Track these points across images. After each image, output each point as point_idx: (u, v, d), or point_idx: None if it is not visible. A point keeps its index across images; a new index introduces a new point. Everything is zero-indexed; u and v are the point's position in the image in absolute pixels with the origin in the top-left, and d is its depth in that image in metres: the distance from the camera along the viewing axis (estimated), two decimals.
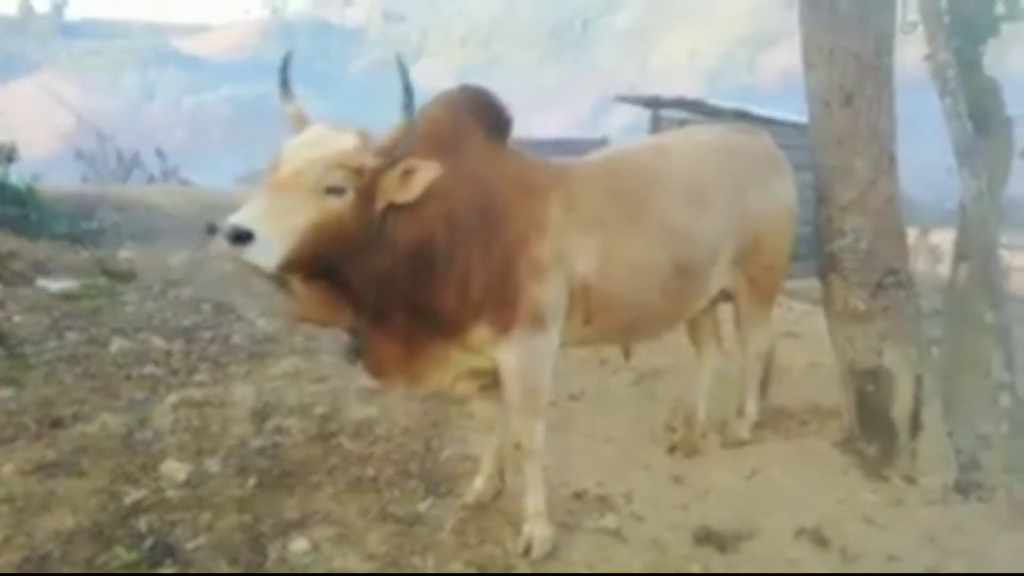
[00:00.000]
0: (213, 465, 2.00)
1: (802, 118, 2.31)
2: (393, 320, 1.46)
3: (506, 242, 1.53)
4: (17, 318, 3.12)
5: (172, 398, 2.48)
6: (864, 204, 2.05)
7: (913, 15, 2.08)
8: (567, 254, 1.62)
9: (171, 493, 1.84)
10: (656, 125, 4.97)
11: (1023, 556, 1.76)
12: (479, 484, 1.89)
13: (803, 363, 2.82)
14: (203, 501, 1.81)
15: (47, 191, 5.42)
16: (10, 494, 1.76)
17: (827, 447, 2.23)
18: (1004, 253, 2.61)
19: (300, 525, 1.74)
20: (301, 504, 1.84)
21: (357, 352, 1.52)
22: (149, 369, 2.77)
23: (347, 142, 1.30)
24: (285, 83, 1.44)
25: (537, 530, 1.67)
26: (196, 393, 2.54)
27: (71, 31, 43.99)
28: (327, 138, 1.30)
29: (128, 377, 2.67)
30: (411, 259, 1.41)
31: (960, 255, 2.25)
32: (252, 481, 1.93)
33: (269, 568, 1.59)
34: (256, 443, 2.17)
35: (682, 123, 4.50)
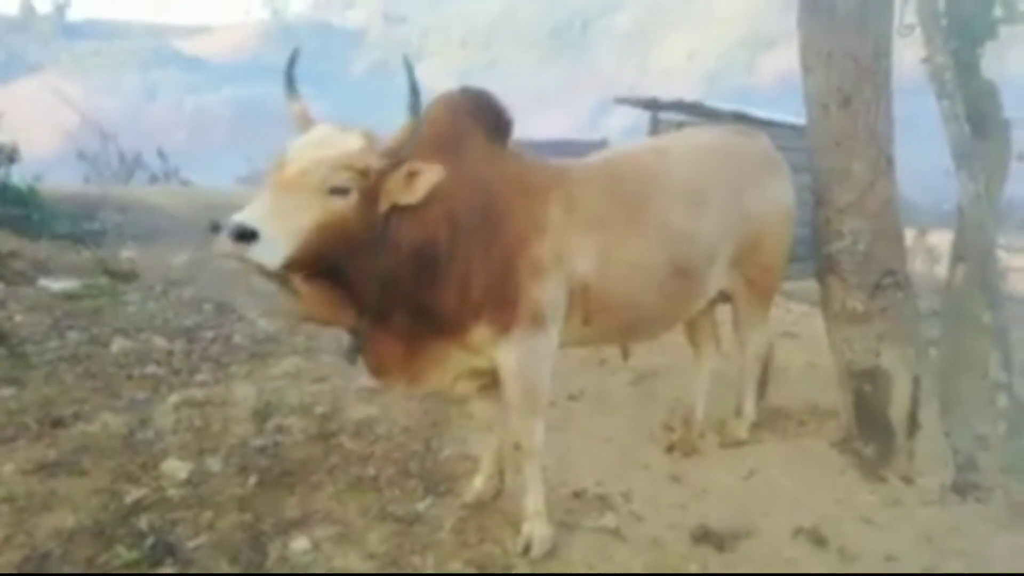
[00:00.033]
0: (214, 464, 2.01)
1: (800, 120, 2.31)
2: (394, 320, 1.47)
3: (506, 243, 1.54)
4: (19, 318, 3.14)
5: (173, 398, 2.49)
6: (862, 206, 2.06)
7: (911, 18, 2.09)
8: (567, 255, 1.63)
9: (172, 492, 1.85)
10: (655, 127, 4.99)
11: (1020, 556, 1.76)
12: (479, 483, 1.89)
13: (801, 364, 2.83)
14: (204, 500, 1.82)
15: (49, 191, 5.44)
16: (11, 493, 1.77)
17: (825, 447, 2.24)
18: (1002, 254, 2.62)
19: (300, 524, 1.75)
20: (301, 503, 1.85)
21: (357, 351, 1.52)
22: (150, 369, 2.78)
23: (353, 143, 1.30)
24: (291, 82, 1.44)
25: (536, 529, 1.68)
26: (197, 393, 2.55)
27: (73, 32, 44.09)
28: (333, 139, 1.30)
29: (129, 377, 2.68)
30: (413, 259, 1.42)
31: (957, 256, 2.26)
32: (253, 480, 1.94)
33: (270, 567, 1.60)
34: (257, 442, 2.18)
35: (681, 125, 4.52)
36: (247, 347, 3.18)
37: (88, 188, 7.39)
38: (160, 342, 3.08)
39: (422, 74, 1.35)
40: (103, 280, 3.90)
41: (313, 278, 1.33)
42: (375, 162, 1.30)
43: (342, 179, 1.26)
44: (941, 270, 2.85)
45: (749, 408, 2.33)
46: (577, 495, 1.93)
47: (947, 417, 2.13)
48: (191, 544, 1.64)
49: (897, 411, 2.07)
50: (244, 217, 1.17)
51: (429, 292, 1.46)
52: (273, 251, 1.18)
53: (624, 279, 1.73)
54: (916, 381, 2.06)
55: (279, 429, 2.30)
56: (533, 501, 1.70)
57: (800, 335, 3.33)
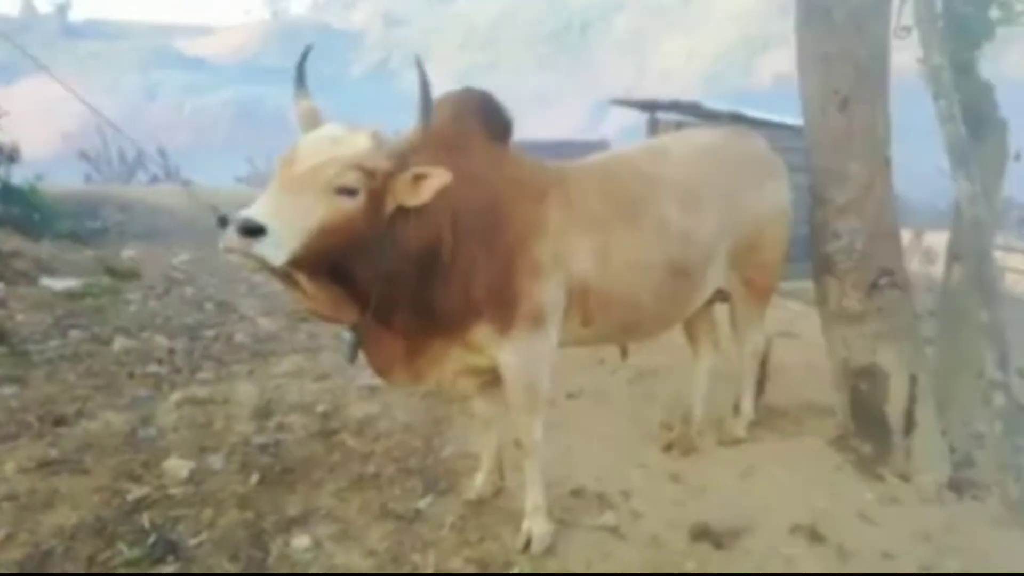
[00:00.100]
0: (216, 462, 2.02)
1: (798, 121, 2.33)
2: (397, 318, 1.48)
3: (507, 243, 1.55)
4: (20, 316, 3.15)
5: (175, 396, 2.50)
6: (859, 206, 2.07)
7: (908, 20, 2.11)
8: (566, 255, 1.64)
9: (174, 490, 1.86)
10: (653, 128, 5.01)
11: (1017, 554, 1.77)
12: (479, 481, 1.91)
13: (799, 362, 2.84)
14: (205, 498, 1.83)
15: (50, 191, 5.45)
16: (13, 491, 1.78)
17: (822, 445, 2.25)
18: (998, 254, 2.64)
19: (302, 522, 1.76)
20: (303, 501, 1.86)
21: (356, 349, 1.53)
22: (152, 367, 2.79)
23: (362, 143, 1.30)
24: (301, 78, 1.43)
25: (536, 527, 1.69)
26: (199, 391, 2.56)
27: (74, 32, 44.12)
28: (343, 138, 1.30)
29: (131, 375, 2.70)
30: (416, 259, 1.43)
31: (954, 256, 2.27)
32: (254, 478, 1.95)
33: (271, 564, 1.61)
34: (258, 440, 2.20)
35: (679, 125, 4.53)
36: (248, 346, 3.19)
37: (89, 187, 7.41)
38: (162, 341, 3.09)
39: (417, 75, 1.36)
40: (104, 279, 3.91)
41: (317, 275, 1.34)
42: (383, 163, 1.31)
43: (351, 179, 1.26)
44: (937, 270, 2.86)
45: (747, 406, 2.35)
46: (576, 493, 1.94)
47: (944, 415, 2.14)
48: (193, 542, 1.65)
49: (894, 409, 2.08)
50: (252, 212, 1.17)
51: (431, 291, 1.48)
52: (279, 247, 1.18)
53: (623, 279, 1.74)
54: (913, 379, 2.07)
55: (280, 427, 2.32)
56: (533, 498, 1.71)
57: (798, 334, 3.33)
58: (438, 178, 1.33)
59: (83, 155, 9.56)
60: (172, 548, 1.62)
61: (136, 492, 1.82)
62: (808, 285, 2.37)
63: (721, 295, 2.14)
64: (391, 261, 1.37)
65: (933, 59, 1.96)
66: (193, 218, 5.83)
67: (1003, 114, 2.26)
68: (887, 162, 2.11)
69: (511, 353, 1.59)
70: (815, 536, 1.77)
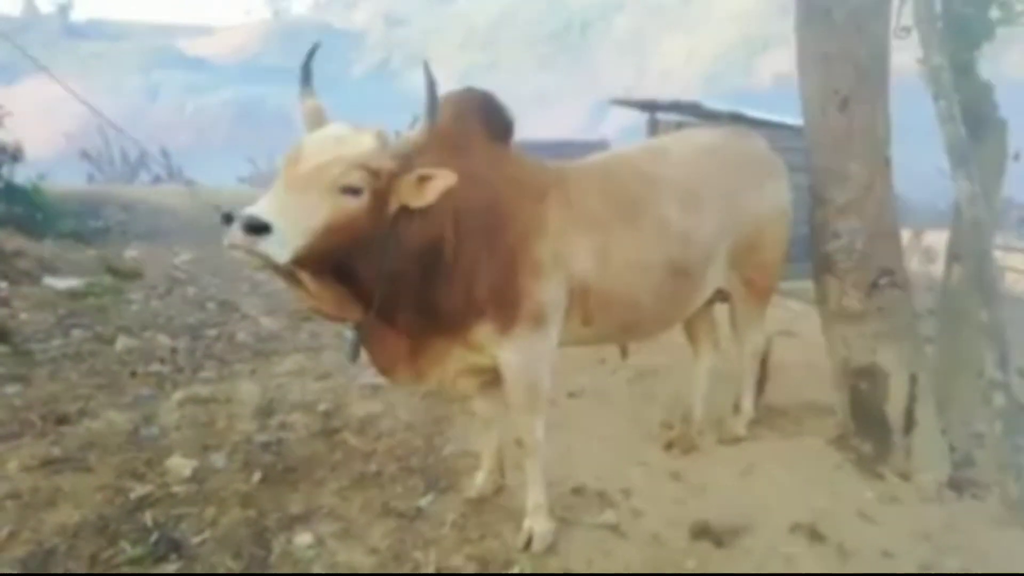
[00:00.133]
0: (218, 461, 2.03)
1: (798, 121, 2.33)
2: (399, 317, 1.49)
3: (508, 243, 1.55)
4: (23, 316, 3.16)
5: (178, 395, 2.51)
6: (859, 206, 2.08)
7: (908, 20, 2.11)
8: (566, 255, 1.65)
9: (176, 488, 1.87)
10: (653, 128, 5.01)
11: (1017, 554, 1.77)
12: (480, 480, 1.91)
13: (799, 362, 2.84)
14: (208, 496, 1.84)
15: (53, 190, 5.47)
16: (16, 489, 1.78)
17: (822, 444, 2.26)
18: (998, 254, 2.64)
19: (304, 520, 1.77)
20: (305, 499, 1.86)
21: (358, 348, 1.54)
22: (155, 366, 2.81)
23: (367, 143, 1.31)
24: (308, 76, 1.43)
25: (537, 525, 1.69)
26: (201, 390, 2.57)
27: (76, 32, 44.20)
28: (348, 137, 1.31)
29: (134, 374, 2.71)
30: (419, 258, 1.43)
31: (953, 256, 2.27)
32: (257, 476, 1.95)
33: (273, 562, 1.61)
34: (261, 439, 2.20)
35: (679, 125, 4.54)
36: (251, 345, 3.21)
37: (92, 187, 7.42)
38: (164, 340, 3.10)
39: (423, 76, 1.36)
40: (107, 278, 3.92)
41: (320, 274, 1.34)
42: (388, 163, 1.31)
43: (356, 179, 1.26)
44: (937, 269, 2.86)
45: (747, 405, 2.35)
46: (577, 491, 1.95)
47: (944, 415, 2.14)
48: (195, 540, 1.66)
49: (894, 408, 2.09)
50: (257, 210, 1.17)
51: (434, 290, 1.48)
52: (283, 246, 1.18)
53: (623, 279, 1.74)
54: (913, 379, 2.08)
55: (282, 426, 2.33)
56: (534, 497, 1.72)
57: (798, 333, 3.34)
58: (443, 180, 1.34)
59: (85, 155, 9.59)
60: (175, 546, 1.63)
61: (139, 490, 1.83)
62: (808, 285, 2.37)
63: (721, 295, 2.15)
64: (394, 260, 1.38)
65: (933, 59, 1.96)
66: (195, 218, 5.84)
67: (1003, 114, 2.26)
68: (887, 162, 2.12)
69: (512, 352, 1.60)
70: (815, 535, 1.78)
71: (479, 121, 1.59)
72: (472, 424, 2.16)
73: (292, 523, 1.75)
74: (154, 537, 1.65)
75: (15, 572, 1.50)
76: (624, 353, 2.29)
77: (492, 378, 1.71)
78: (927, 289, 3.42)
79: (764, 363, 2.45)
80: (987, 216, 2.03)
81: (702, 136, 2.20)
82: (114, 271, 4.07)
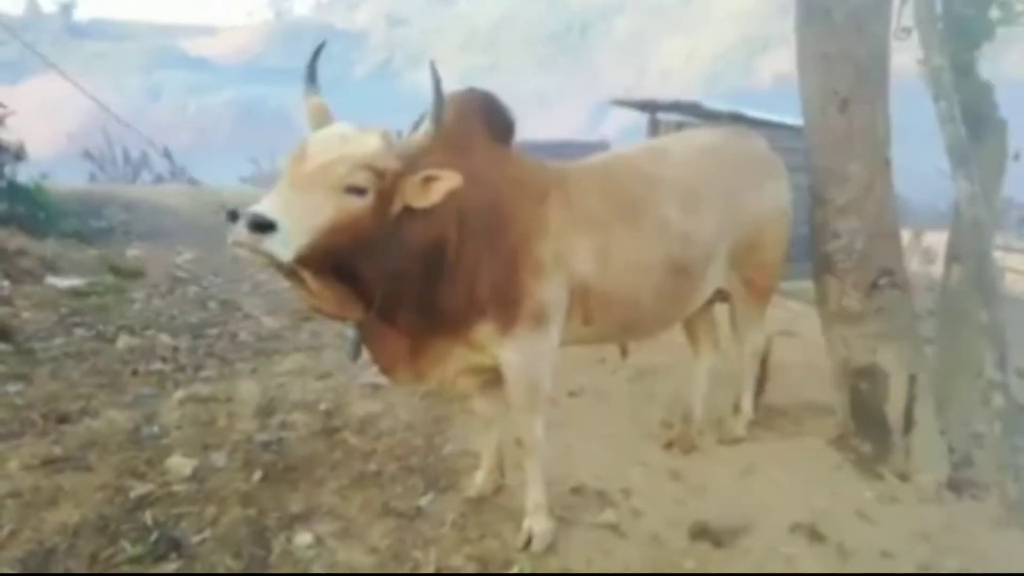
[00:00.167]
0: (219, 460, 2.04)
1: (798, 121, 2.34)
2: (401, 316, 1.49)
3: (510, 243, 1.56)
4: (26, 314, 3.17)
5: (179, 394, 2.52)
6: (859, 206, 2.08)
7: (908, 21, 2.11)
8: (567, 255, 1.65)
9: (177, 487, 1.87)
10: (654, 128, 5.02)
11: (1016, 554, 1.77)
12: (480, 479, 1.92)
13: (798, 362, 2.84)
14: (208, 495, 1.84)
15: (55, 190, 5.48)
16: (17, 488, 1.79)
17: (822, 444, 2.26)
18: (998, 254, 2.63)
19: (304, 519, 1.77)
20: (305, 498, 1.87)
21: (359, 347, 1.54)
22: (156, 365, 2.81)
23: (373, 143, 1.31)
24: (313, 75, 1.43)
25: (537, 524, 1.70)
26: (202, 389, 2.58)
27: (79, 32, 44.32)
28: (353, 137, 1.31)
29: (135, 373, 2.71)
30: (421, 258, 1.44)
31: (953, 256, 2.27)
32: (257, 476, 1.96)
33: (273, 562, 1.62)
34: (261, 438, 2.21)
35: (679, 126, 4.54)
36: (252, 344, 3.21)
37: (94, 187, 7.44)
38: (165, 339, 3.11)
39: (423, 77, 1.36)
40: (109, 278, 3.94)
41: (322, 273, 1.35)
42: (393, 164, 1.31)
43: (361, 179, 1.26)
44: (937, 270, 2.86)
45: (747, 406, 2.35)
46: (577, 491, 1.95)
47: (943, 415, 2.14)
48: (195, 539, 1.66)
49: (893, 409, 2.09)
50: (262, 208, 1.18)
51: (436, 290, 1.49)
52: (288, 244, 1.18)
53: (623, 279, 1.75)
54: (912, 379, 2.08)
55: (283, 425, 2.33)
56: (534, 496, 1.72)
57: (798, 334, 3.34)
58: (448, 180, 1.34)
59: (87, 154, 9.61)
60: (175, 545, 1.63)
61: (139, 489, 1.84)
62: (808, 285, 2.37)
63: (721, 295, 2.15)
64: (397, 260, 1.38)
65: (933, 60, 1.96)
66: (197, 218, 5.86)
67: (1003, 114, 2.26)
68: (887, 162, 2.12)
69: (513, 352, 1.60)
70: (815, 535, 1.78)
71: (481, 122, 1.59)
72: (472, 423, 2.17)
73: (292, 522, 1.76)
74: (154, 536, 1.65)
75: (15, 571, 1.51)
76: (624, 352, 2.29)
77: (492, 377, 1.71)
78: (927, 289, 3.43)
79: (764, 363, 2.45)
80: (987, 216, 2.03)
81: (702, 136, 2.20)
82: (116, 270, 4.09)
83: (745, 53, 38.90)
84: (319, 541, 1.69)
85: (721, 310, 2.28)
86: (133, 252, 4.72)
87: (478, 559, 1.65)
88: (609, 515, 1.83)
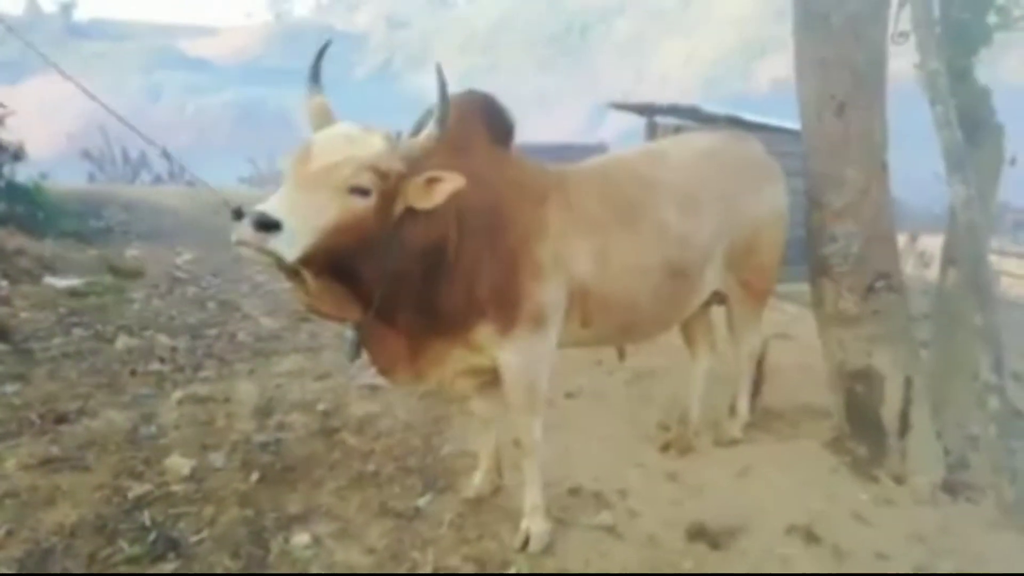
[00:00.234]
0: (217, 460, 2.04)
1: (795, 125, 2.35)
2: (400, 317, 1.50)
3: (509, 245, 1.57)
4: (24, 314, 3.16)
5: (177, 394, 2.52)
6: (856, 210, 2.09)
7: (905, 25, 2.12)
8: (566, 257, 1.66)
9: (175, 488, 1.87)
10: (652, 131, 5.04)
11: (1011, 556, 1.78)
12: (478, 480, 1.92)
13: (794, 364, 2.85)
14: (206, 495, 1.85)
15: (54, 190, 5.47)
16: (14, 488, 1.79)
17: (818, 447, 2.27)
18: (993, 258, 2.65)
19: (302, 519, 1.78)
20: (303, 499, 1.87)
21: (358, 348, 1.55)
22: (154, 365, 2.81)
23: (377, 144, 1.31)
24: (316, 74, 1.43)
25: (535, 525, 1.70)
26: (201, 389, 2.58)
27: (79, 32, 44.30)
28: (357, 138, 1.31)
29: (133, 373, 2.71)
30: (422, 259, 1.44)
31: (949, 260, 2.29)
32: (255, 476, 1.96)
33: (271, 562, 1.62)
34: (259, 438, 2.21)
35: (677, 129, 4.56)
36: (250, 344, 3.21)
37: (93, 187, 7.44)
38: (164, 339, 3.11)
39: (423, 78, 1.38)
40: (108, 278, 3.93)
41: (323, 273, 1.35)
42: (397, 165, 1.32)
43: (365, 180, 1.27)
44: (933, 273, 2.87)
45: (743, 408, 2.36)
46: (574, 492, 1.96)
47: (938, 418, 2.16)
48: (193, 539, 1.66)
49: (889, 411, 2.10)
50: (269, 207, 1.18)
51: (435, 291, 1.49)
52: (292, 244, 1.18)
53: (621, 282, 1.76)
54: (908, 382, 2.09)
55: (281, 426, 2.33)
56: (531, 497, 1.73)
57: (794, 336, 3.35)
58: (451, 182, 1.34)
59: (86, 154, 9.61)
60: (173, 545, 1.63)
61: (137, 489, 1.84)
62: (804, 288, 2.38)
63: (718, 297, 2.16)
64: (397, 261, 1.39)
65: (930, 64, 1.98)
66: (196, 218, 5.86)
67: (999, 119, 2.27)
68: (883, 166, 2.13)
69: (512, 353, 1.61)
70: (811, 537, 1.79)
71: (481, 124, 1.60)
72: (470, 424, 2.17)
73: (290, 522, 1.76)
74: (152, 536, 1.65)
75: (13, 572, 1.51)
76: (622, 355, 2.30)
77: (490, 379, 1.72)
78: (923, 293, 3.44)
79: (760, 365, 2.46)
80: (983, 220, 2.04)
81: (700, 140, 2.21)
82: (115, 270, 4.08)
83: (743, 57, 39.04)
84: (317, 541, 1.69)
85: (718, 312, 2.29)
86: (132, 252, 4.72)
87: (476, 559, 1.65)
88: (606, 516, 1.84)
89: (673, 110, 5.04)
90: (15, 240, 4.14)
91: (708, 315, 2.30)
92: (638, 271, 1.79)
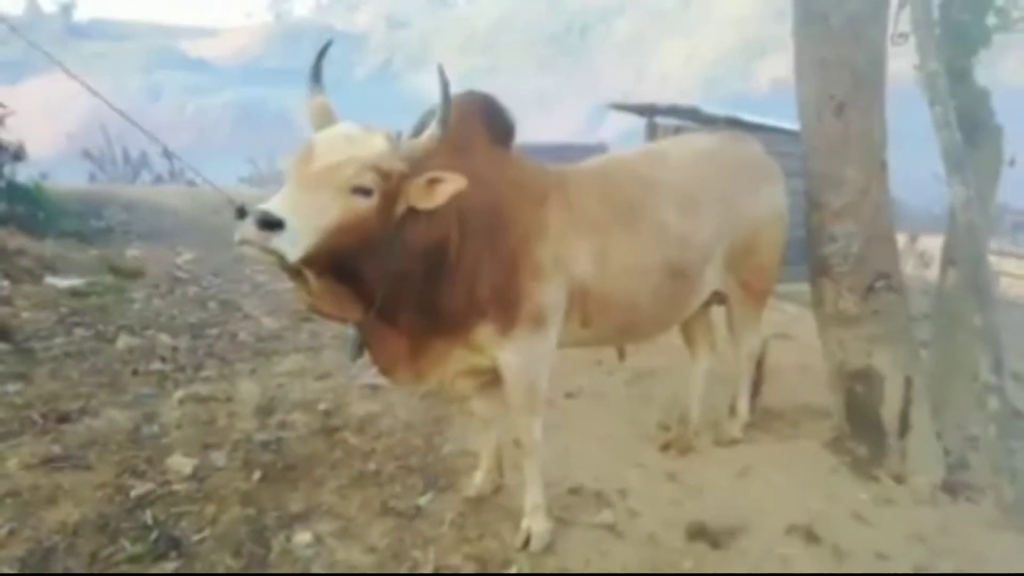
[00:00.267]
0: (218, 459, 2.04)
1: (795, 125, 2.36)
2: (401, 317, 1.50)
3: (510, 245, 1.57)
4: (25, 314, 3.17)
5: (178, 394, 2.52)
6: (856, 210, 2.09)
7: (905, 26, 2.13)
8: (566, 258, 1.67)
9: (177, 487, 1.88)
10: (652, 131, 5.05)
11: (1011, 556, 1.79)
12: (478, 479, 1.93)
13: (794, 364, 2.86)
14: (208, 494, 1.85)
15: (55, 190, 5.48)
16: (16, 487, 1.79)
17: (818, 447, 2.27)
18: (993, 259, 2.65)
19: (303, 518, 1.78)
20: (304, 498, 1.88)
21: (359, 348, 1.55)
22: (156, 365, 2.81)
23: (379, 144, 1.31)
24: (318, 74, 1.43)
25: (535, 524, 1.71)
26: (202, 389, 2.58)
27: (79, 32, 44.32)
28: (359, 138, 1.31)
29: (135, 373, 2.71)
30: (423, 259, 1.45)
31: (948, 260, 2.29)
32: (257, 475, 1.97)
33: (272, 561, 1.62)
34: (261, 438, 2.22)
35: (677, 130, 4.57)
36: (252, 344, 3.22)
37: (94, 187, 7.44)
38: (165, 339, 3.11)
39: (423, 79, 1.38)
40: (109, 278, 3.93)
41: (325, 273, 1.36)
42: (399, 165, 1.32)
43: (367, 180, 1.27)
44: (932, 273, 2.88)
45: (743, 408, 2.37)
46: (574, 491, 1.96)
47: (938, 418, 2.16)
48: (195, 538, 1.67)
49: (889, 412, 2.10)
50: (272, 206, 1.18)
51: (436, 291, 1.50)
52: (295, 243, 1.19)
53: (621, 282, 1.76)
54: (908, 382, 2.09)
55: (283, 425, 2.34)
56: (532, 497, 1.73)
57: (794, 336, 3.36)
58: (453, 183, 1.35)
59: (87, 154, 9.61)
60: (175, 544, 1.64)
61: (139, 489, 1.84)
62: (804, 288, 2.39)
63: (718, 297, 2.17)
64: (399, 261, 1.39)
65: (929, 65, 1.98)
66: (197, 218, 5.86)
67: (998, 120, 2.28)
68: (883, 167, 2.14)
69: (512, 353, 1.61)
70: (811, 536, 1.79)
71: (481, 124, 1.60)
72: (471, 424, 2.18)
73: (291, 521, 1.76)
74: (154, 535, 1.66)
75: (15, 571, 1.51)
76: (622, 355, 2.30)
77: (491, 378, 1.72)
78: (922, 293, 3.45)
79: (760, 366, 2.46)
80: (982, 221, 2.05)
81: (700, 140, 2.22)
82: (116, 270, 4.08)
83: (743, 57, 39.06)
84: (318, 540, 1.70)
85: (718, 312, 2.29)
86: (133, 252, 4.72)
87: (477, 558, 1.66)
88: (606, 515, 1.85)
89: (673, 111, 5.05)
90: (16, 240, 4.14)
91: (708, 315, 2.31)
92: (638, 271, 1.79)
